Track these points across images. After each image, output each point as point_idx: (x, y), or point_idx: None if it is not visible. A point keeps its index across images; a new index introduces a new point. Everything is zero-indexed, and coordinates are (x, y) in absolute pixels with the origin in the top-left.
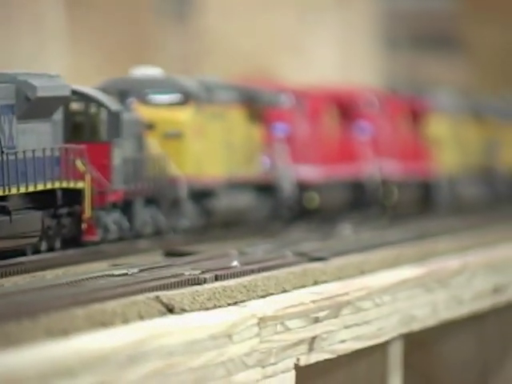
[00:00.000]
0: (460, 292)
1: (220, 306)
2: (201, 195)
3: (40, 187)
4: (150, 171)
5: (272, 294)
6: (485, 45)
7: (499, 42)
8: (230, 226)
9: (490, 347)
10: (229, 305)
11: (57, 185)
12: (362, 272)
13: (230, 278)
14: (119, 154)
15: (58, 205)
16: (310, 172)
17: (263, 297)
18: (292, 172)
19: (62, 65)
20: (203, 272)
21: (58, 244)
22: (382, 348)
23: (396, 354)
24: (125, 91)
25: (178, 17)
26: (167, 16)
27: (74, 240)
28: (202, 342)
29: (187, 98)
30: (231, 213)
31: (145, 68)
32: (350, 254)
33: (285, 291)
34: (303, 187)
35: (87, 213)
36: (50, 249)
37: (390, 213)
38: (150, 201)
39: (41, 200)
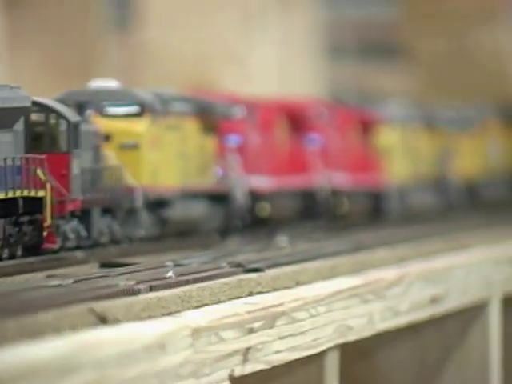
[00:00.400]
0: (396, 303)
1: (154, 317)
2: (156, 205)
3: (1, 196)
4: (106, 181)
5: (207, 304)
6: (430, 53)
7: (444, 50)
8: (184, 235)
9: (428, 357)
10: (163, 315)
11: (18, 193)
12: (298, 283)
13: (165, 288)
14: (77, 165)
15: (20, 213)
16: (262, 182)
17: (198, 307)
18: (244, 182)
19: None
20: (138, 283)
21: (19, 252)
22: (318, 358)
23: (332, 365)
24: (83, 103)
25: (121, 28)
26: (110, 27)
27: (34, 248)
28: (136, 354)
29: (143, 110)
30: (185, 222)
31: (102, 80)
32: (285, 265)
33: (219, 302)
34: (255, 197)
35: (48, 221)
36: (12, 256)
37: (340, 223)
38: (107, 210)
39: (2, 208)
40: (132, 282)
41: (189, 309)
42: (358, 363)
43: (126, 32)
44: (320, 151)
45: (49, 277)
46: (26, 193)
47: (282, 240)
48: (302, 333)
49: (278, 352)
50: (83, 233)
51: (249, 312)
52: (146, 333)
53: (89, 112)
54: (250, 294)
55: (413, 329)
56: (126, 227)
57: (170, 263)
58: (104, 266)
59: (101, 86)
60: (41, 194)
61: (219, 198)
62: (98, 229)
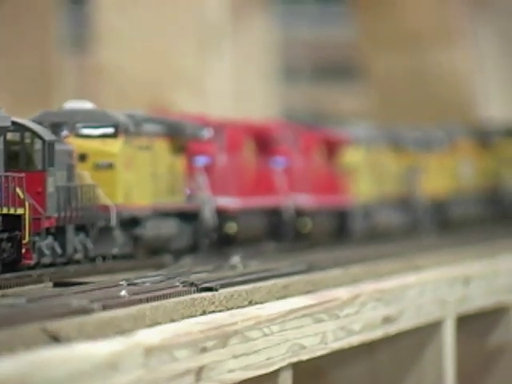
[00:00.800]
0: (349, 322)
1: (107, 336)
2: (129, 223)
3: None
4: (81, 200)
5: (160, 323)
6: (386, 73)
7: (400, 70)
8: (155, 253)
9: (382, 377)
10: (116, 334)
11: None
12: (251, 302)
13: (118, 307)
14: (52, 183)
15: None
16: (229, 202)
17: (151, 326)
18: (212, 201)
19: None
20: (91, 302)
21: None
22: (271, 377)
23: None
24: (58, 123)
25: (78, 49)
26: (66, 49)
27: (12, 264)
28: (88, 373)
29: (117, 131)
30: (157, 240)
31: (77, 102)
32: (239, 285)
33: (173, 321)
34: (223, 216)
35: (26, 238)
36: None
37: (305, 242)
38: (81, 228)
39: None
40: (85, 301)
41: (142, 328)
42: (312, 382)
43: (83, 53)
44: (285, 172)
45: (2, 296)
46: (5, 210)
47: (235, 260)
48: (255, 352)
49: (231, 371)
50: (58, 249)
51: (202, 331)
52: (99, 352)
53: (64, 132)
54: (204, 313)
55: (367, 348)
56: (100, 245)
57: (123, 282)
58: (57, 285)
59: (76, 107)
60: (20, 211)
61: (188, 217)
62: (73, 246)
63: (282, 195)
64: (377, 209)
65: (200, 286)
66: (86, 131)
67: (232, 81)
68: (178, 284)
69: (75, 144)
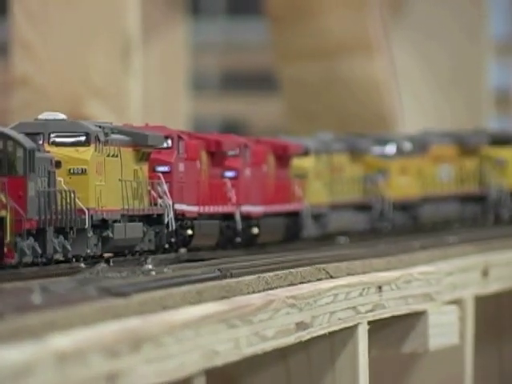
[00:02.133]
0: (263, 328)
1: (18, 341)
2: (99, 226)
3: None
4: (59, 204)
5: (72, 328)
6: (297, 82)
7: (315, 77)
8: (122, 254)
9: (296, 382)
10: (27, 340)
11: None
12: (165, 307)
13: (30, 312)
14: (33, 187)
15: None
16: (187, 208)
17: (63, 332)
18: (172, 208)
19: None
20: (2, 307)
21: None
22: (185, 383)
23: None
24: (34, 133)
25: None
26: None
27: None
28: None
29: (89, 139)
30: (124, 242)
31: (51, 113)
32: (152, 290)
33: (85, 326)
34: (182, 221)
35: (8, 238)
36: None
37: (255, 248)
38: (59, 230)
39: None
40: None
41: (54, 333)
42: None
43: (5, 72)
44: (235, 183)
45: None
46: None
47: (149, 264)
48: (168, 357)
49: (143, 376)
50: (38, 250)
51: (115, 336)
52: (10, 357)
53: (40, 141)
54: (116, 318)
55: (280, 354)
56: (75, 246)
57: (36, 287)
58: None
59: (50, 118)
60: (2, 213)
61: (152, 221)
62: (51, 247)
63: (233, 202)
64: (329, 214)
65: (113, 292)
66: (59, 140)
67: (144, 92)
68: (91, 289)
69: (51, 152)
